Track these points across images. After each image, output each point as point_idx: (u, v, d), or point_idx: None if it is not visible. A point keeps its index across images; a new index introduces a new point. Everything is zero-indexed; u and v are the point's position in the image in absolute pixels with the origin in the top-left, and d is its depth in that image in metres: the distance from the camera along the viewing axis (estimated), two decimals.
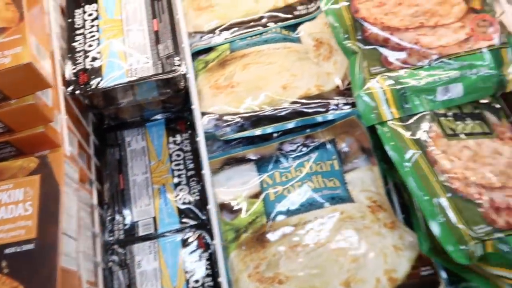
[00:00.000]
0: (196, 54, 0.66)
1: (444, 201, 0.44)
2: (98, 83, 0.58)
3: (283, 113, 0.55)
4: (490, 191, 0.46)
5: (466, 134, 0.51)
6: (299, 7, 0.67)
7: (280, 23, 0.66)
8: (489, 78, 0.53)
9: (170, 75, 0.58)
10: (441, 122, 0.51)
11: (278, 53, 0.62)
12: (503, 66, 0.53)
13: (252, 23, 0.66)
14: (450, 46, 0.53)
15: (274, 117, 0.55)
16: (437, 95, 0.53)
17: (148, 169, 0.67)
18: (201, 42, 0.66)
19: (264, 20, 0.66)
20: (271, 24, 0.66)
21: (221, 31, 0.67)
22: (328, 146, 0.56)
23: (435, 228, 0.42)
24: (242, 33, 0.65)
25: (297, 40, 0.64)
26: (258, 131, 0.55)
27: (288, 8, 0.67)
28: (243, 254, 0.51)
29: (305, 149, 0.56)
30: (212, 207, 0.51)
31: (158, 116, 0.71)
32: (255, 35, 0.65)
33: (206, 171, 0.53)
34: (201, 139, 0.53)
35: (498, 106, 0.56)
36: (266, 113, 0.55)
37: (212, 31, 0.67)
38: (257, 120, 0.55)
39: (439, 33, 0.54)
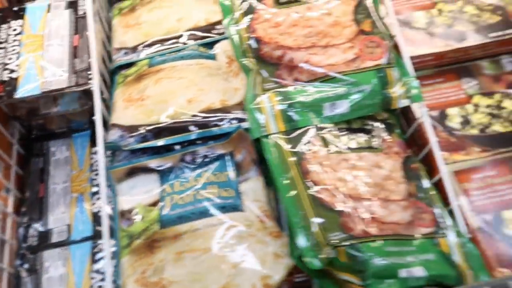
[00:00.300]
0: (119, 69, 0.70)
1: (307, 210, 0.46)
2: (11, 94, 0.61)
3: (182, 125, 0.58)
4: (357, 201, 0.48)
5: (349, 148, 0.54)
6: (218, 26, 0.70)
7: (198, 41, 0.69)
8: (374, 96, 0.56)
9: (82, 88, 0.61)
10: (325, 136, 0.54)
11: (191, 69, 0.65)
12: (388, 85, 0.56)
13: (172, 41, 0.70)
14: (339, 65, 0.56)
15: (174, 129, 0.58)
16: (324, 111, 0.56)
17: (69, 178, 0.69)
18: (124, 58, 0.70)
19: (183, 38, 0.70)
20: (190, 42, 0.69)
21: (143, 47, 0.70)
22: (227, 157, 0.58)
23: (295, 235, 0.45)
24: (162, 50, 0.69)
25: (212, 57, 0.68)
26: (159, 142, 0.58)
27: (208, 27, 0.71)
28: (133, 259, 0.53)
29: (205, 160, 0.59)
30: (104, 215, 0.53)
31: (85, 127, 0.74)
32: (174, 51, 0.68)
33: (101, 180, 0.55)
34: (100, 149, 0.55)
35: (391, 121, 0.60)
36: (167, 125, 0.58)
37: (135, 48, 0.71)
38: (159, 131, 0.58)
39: (329, 52, 0.57)
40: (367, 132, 0.57)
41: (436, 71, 0.65)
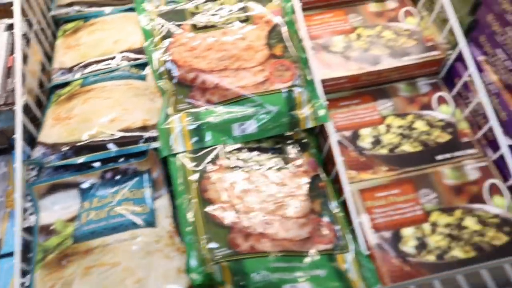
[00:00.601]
0: (56, 88, 0.73)
1: (199, 227, 0.48)
2: None
3: (101, 143, 0.60)
4: (251, 218, 0.50)
5: (255, 167, 0.56)
6: None
7: (131, 62, 0.72)
8: (281, 117, 0.58)
9: (9, 107, 0.64)
10: (231, 155, 0.56)
11: (119, 89, 0.68)
12: (296, 106, 0.59)
13: (106, 62, 0.73)
14: (248, 87, 0.59)
15: (93, 147, 0.60)
16: (233, 131, 0.58)
17: (4, 193, 0.71)
18: (61, 78, 0.72)
19: (117, 59, 0.73)
20: (123, 63, 0.72)
21: (79, 68, 0.73)
22: (144, 175, 0.61)
23: (187, 251, 0.47)
24: (96, 70, 0.72)
25: (143, 78, 0.70)
26: (79, 160, 0.60)
27: (141, 49, 0.74)
28: (44, 274, 0.55)
29: (124, 177, 0.61)
30: (16, 231, 0.56)
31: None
32: (106, 72, 0.71)
33: (17, 196, 0.57)
34: (18, 166, 0.58)
35: (306, 141, 0.62)
36: (87, 143, 0.60)
37: (72, 68, 0.73)
38: (79, 149, 0.60)
39: (240, 75, 0.60)
40: (277, 151, 0.59)
41: (353, 93, 0.68)
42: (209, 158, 0.55)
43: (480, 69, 0.63)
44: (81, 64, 0.74)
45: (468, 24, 0.64)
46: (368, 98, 0.67)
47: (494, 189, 0.59)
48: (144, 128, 0.64)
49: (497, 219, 0.56)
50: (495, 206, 0.57)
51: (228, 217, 0.49)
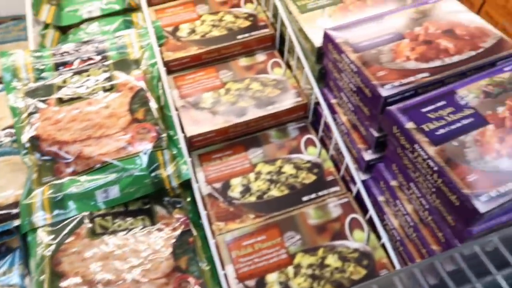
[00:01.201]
0: None
1: None
2: None
3: None
4: (106, 285, 0.51)
5: (120, 230, 0.58)
6: None
7: (14, 137, 0.74)
8: (142, 179, 0.60)
9: None
10: (93, 223, 0.57)
11: None
12: (159, 166, 0.61)
13: None
14: (110, 153, 0.61)
15: None
16: (97, 198, 0.59)
17: None
18: None
19: (0, 136, 0.75)
20: (6, 139, 0.74)
21: None
22: (16, 252, 0.61)
23: None
24: None
25: None
26: None
27: None
28: None
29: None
30: None
31: None
32: None
33: None
34: None
35: (180, 198, 0.64)
36: None
37: None
38: None
39: (102, 142, 0.62)
40: (145, 212, 0.61)
41: (227, 144, 0.71)
42: (68, 229, 0.55)
43: (334, 111, 0.68)
44: None
45: (319, 71, 0.69)
46: (240, 148, 0.71)
47: (354, 224, 0.61)
48: (16, 204, 0.64)
49: (357, 253, 0.59)
50: (355, 241, 0.60)
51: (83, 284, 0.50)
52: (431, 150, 0.47)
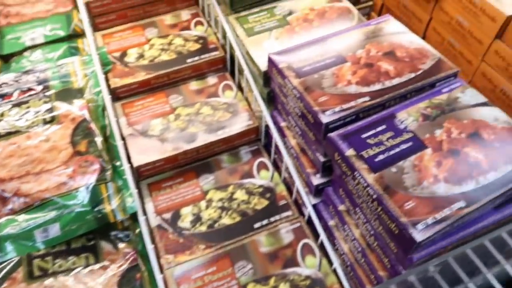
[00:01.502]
0: None
1: None
2: None
3: None
4: None
5: (61, 272, 0.55)
6: None
7: None
8: (85, 215, 0.58)
9: None
10: (31, 265, 0.55)
11: None
12: (102, 200, 0.59)
13: None
14: (50, 190, 0.59)
15: None
16: (36, 237, 0.57)
17: None
18: None
19: None
20: None
21: None
22: None
23: None
24: None
25: None
26: None
27: None
28: None
29: None
30: None
31: None
32: None
33: None
34: None
35: (129, 232, 0.61)
36: None
37: None
38: None
39: (42, 178, 0.59)
40: (89, 249, 0.58)
41: (177, 172, 0.69)
42: (2, 274, 0.52)
43: (284, 134, 0.67)
44: None
45: (267, 94, 0.69)
46: (191, 175, 0.69)
47: (306, 250, 0.61)
48: None
49: (308, 281, 0.58)
50: (307, 267, 0.59)
51: None
52: (370, 177, 0.47)
